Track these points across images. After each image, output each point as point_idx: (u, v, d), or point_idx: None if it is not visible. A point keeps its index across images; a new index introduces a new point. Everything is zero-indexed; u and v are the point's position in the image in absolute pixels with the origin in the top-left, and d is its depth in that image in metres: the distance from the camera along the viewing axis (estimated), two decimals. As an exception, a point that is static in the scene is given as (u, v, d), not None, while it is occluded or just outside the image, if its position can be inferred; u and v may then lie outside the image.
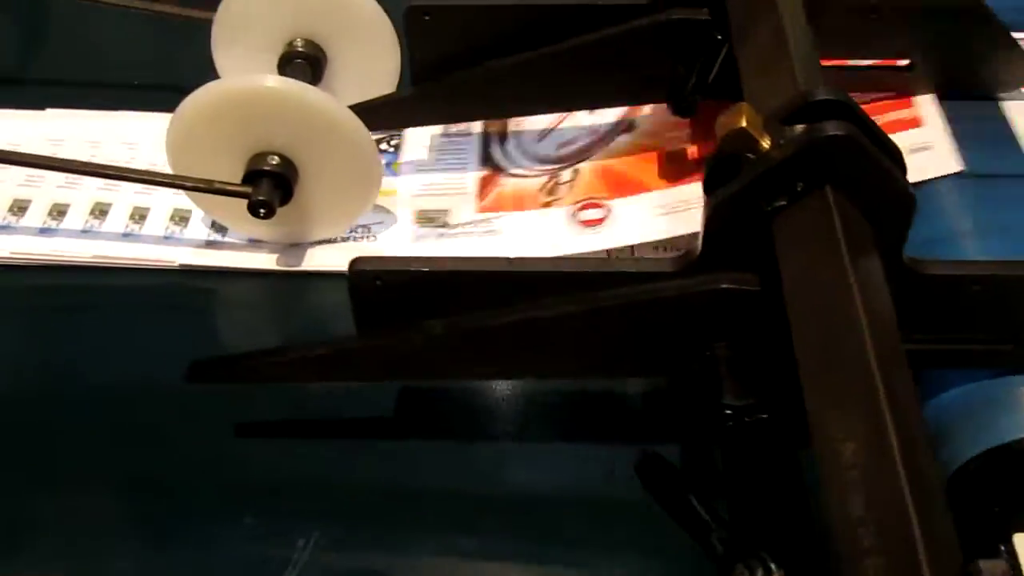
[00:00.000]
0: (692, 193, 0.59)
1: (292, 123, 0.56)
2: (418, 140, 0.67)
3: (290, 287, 0.61)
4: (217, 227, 0.62)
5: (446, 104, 0.60)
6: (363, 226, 0.62)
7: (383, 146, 0.67)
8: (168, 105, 0.57)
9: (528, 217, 0.61)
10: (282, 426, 0.52)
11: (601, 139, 0.65)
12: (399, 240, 0.61)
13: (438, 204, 0.62)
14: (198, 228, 0.62)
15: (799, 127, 0.39)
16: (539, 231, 0.60)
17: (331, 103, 0.56)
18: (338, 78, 0.66)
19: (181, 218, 0.63)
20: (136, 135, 0.69)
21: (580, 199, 0.61)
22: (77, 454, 0.51)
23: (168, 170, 0.59)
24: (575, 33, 0.57)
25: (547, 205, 0.61)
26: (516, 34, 0.58)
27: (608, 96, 0.60)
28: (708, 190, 0.41)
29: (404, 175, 0.65)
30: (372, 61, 0.65)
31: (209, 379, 0.48)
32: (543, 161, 0.64)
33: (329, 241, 0.61)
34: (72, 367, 0.56)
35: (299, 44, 0.64)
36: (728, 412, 0.41)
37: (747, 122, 0.39)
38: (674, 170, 0.61)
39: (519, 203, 0.62)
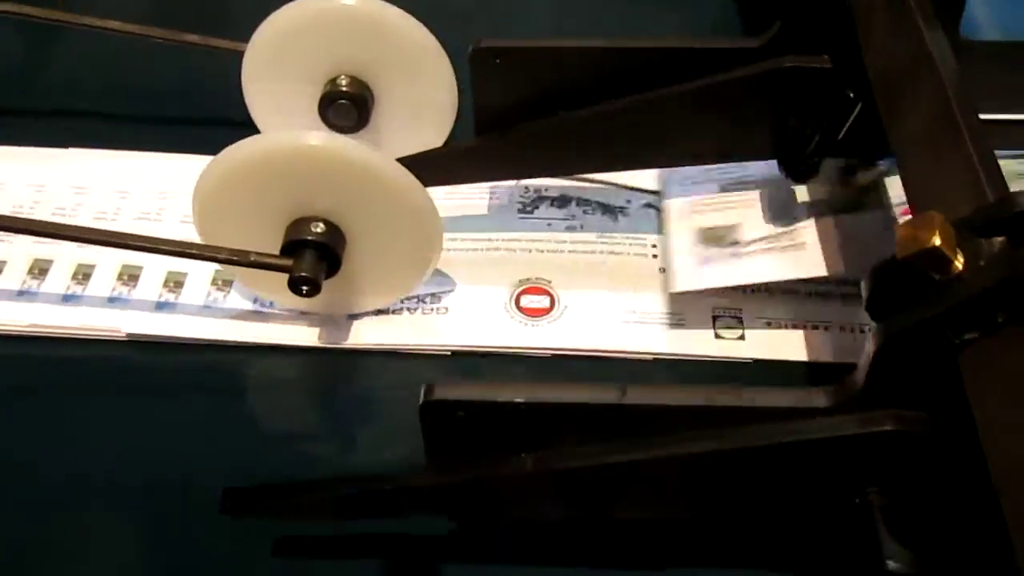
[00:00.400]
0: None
1: (338, 185, 0.48)
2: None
3: (333, 366, 0.53)
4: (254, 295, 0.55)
5: (514, 159, 0.52)
6: (431, 295, 0.54)
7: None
8: (189, 147, 0.49)
9: (840, 225, 0.51)
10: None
11: None
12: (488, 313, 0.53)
13: (722, 220, 0.54)
14: (236, 297, 0.55)
15: (997, 241, 0.31)
16: (857, 239, 0.50)
17: (383, 163, 0.48)
18: (386, 120, 0.58)
19: (224, 283, 0.55)
20: (153, 181, 0.61)
21: (903, 199, 0.52)
22: None
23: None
24: (667, 81, 0.49)
25: (864, 209, 0.52)
26: (598, 81, 0.50)
27: (702, 153, 0.52)
28: (877, 313, 0.33)
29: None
30: (425, 101, 0.57)
31: (246, 511, 0.40)
32: None
33: (382, 312, 0.54)
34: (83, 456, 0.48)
35: (343, 83, 0.56)
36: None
37: (941, 239, 0.31)
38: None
39: (827, 208, 0.52)
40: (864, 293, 0.34)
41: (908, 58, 0.40)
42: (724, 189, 0.55)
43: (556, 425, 0.35)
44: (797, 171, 0.49)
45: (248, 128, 0.58)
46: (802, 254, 0.49)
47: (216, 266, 0.55)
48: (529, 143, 0.51)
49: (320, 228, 0.48)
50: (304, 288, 0.48)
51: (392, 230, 0.50)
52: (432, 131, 0.58)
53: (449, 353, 0.52)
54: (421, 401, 0.35)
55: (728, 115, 0.49)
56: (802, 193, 0.53)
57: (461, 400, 0.35)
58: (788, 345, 0.51)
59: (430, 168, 0.51)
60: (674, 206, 0.55)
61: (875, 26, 0.44)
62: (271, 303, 0.54)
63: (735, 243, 0.51)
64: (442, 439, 0.36)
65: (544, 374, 0.50)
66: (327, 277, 0.49)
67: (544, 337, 0.52)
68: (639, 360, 0.51)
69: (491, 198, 0.59)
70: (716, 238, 0.52)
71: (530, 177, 0.56)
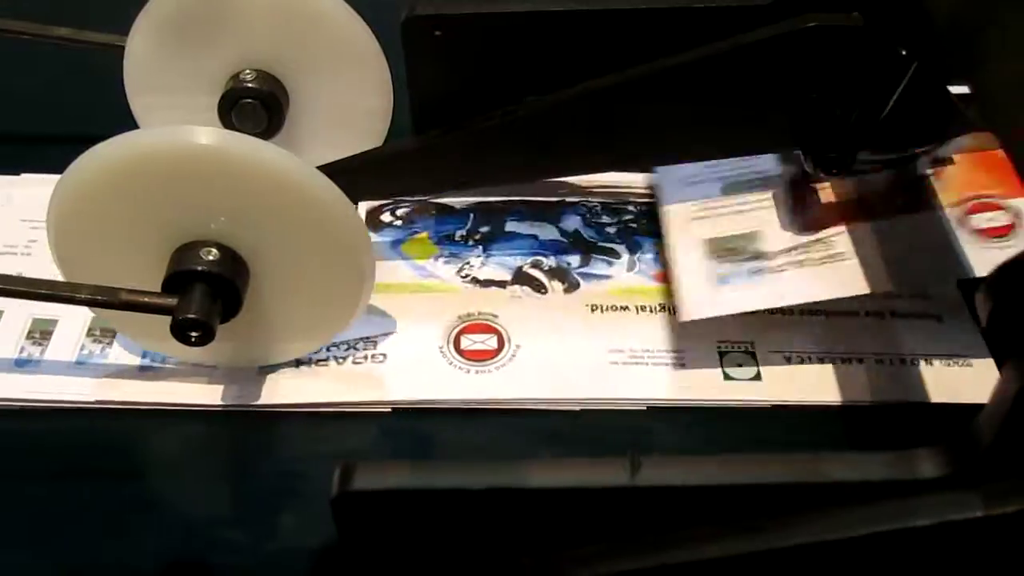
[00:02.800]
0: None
1: (238, 198, 0.37)
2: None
3: (242, 432, 0.42)
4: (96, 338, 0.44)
5: (466, 161, 0.41)
6: (365, 339, 0.43)
7: (386, 217, 0.48)
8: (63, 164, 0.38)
9: (882, 230, 0.42)
10: None
11: None
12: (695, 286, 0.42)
13: (735, 227, 0.43)
14: (119, 350, 0.43)
15: None
16: (905, 247, 0.41)
17: (298, 169, 0.37)
18: (304, 126, 0.47)
19: (104, 332, 0.44)
20: (21, 207, 0.49)
21: (963, 197, 0.43)
22: None
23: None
24: (657, 52, 0.38)
25: (911, 210, 0.42)
26: (570, 55, 0.39)
27: (706, 146, 0.41)
28: (1005, 342, 0.22)
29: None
30: (352, 102, 0.47)
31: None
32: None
33: (302, 362, 0.42)
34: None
35: (248, 78, 0.45)
36: None
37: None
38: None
39: (865, 209, 0.43)
40: (981, 313, 0.23)
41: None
42: (730, 189, 0.44)
43: (536, 519, 0.24)
44: (828, 163, 0.38)
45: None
46: (841, 267, 0.39)
47: (92, 311, 0.43)
48: (485, 142, 0.40)
49: (213, 255, 0.37)
50: (192, 334, 0.37)
51: (310, 258, 0.39)
52: (360, 140, 0.47)
53: (389, 410, 0.41)
54: (333, 493, 0.24)
55: (736, 94, 0.39)
56: (825, 192, 0.43)
57: (390, 489, 0.24)
58: (814, 384, 0.41)
59: (358, 178, 0.40)
60: (673, 212, 0.44)
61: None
62: (163, 356, 0.42)
63: (756, 256, 0.41)
64: (365, 536, 0.25)
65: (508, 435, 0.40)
66: (225, 320, 0.38)
67: (492, 386, 0.41)
68: (627, 411, 0.40)
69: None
70: (730, 251, 0.41)
71: (487, 185, 0.45)
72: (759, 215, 0.43)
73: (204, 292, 0.37)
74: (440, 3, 0.39)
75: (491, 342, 0.42)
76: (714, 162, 0.44)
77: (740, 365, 0.41)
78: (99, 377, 0.42)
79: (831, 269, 0.40)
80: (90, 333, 0.44)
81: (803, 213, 0.42)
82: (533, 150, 0.40)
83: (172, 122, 0.47)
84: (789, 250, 0.41)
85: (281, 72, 0.46)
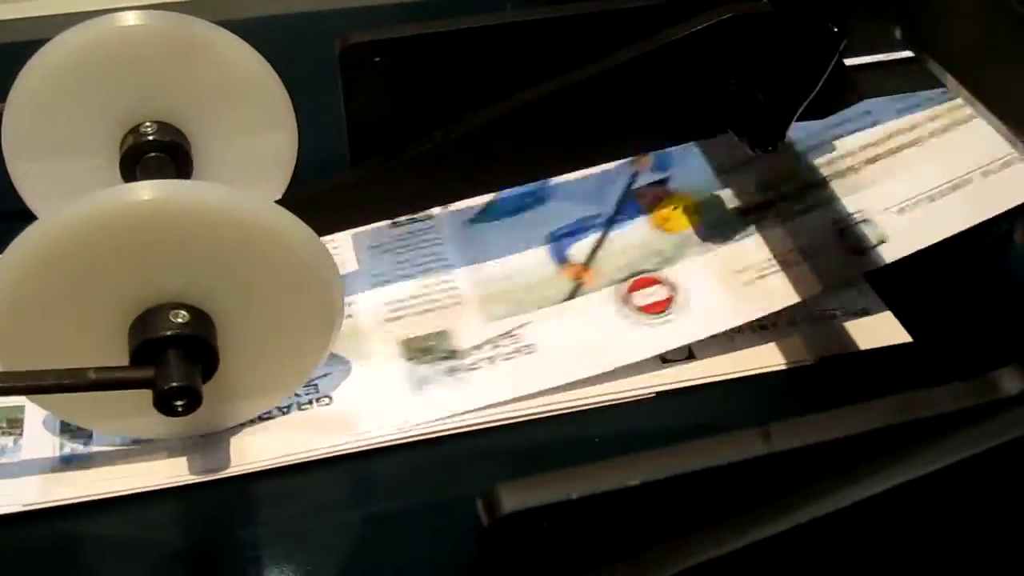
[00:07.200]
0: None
1: (197, 250, 0.35)
2: (361, 241, 0.46)
3: (212, 506, 0.38)
4: (73, 432, 0.39)
5: (414, 185, 0.40)
6: (308, 385, 0.41)
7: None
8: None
9: (558, 316, 0.43)
10: None
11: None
12: (383, 396, 0.41)
13: (428, 325, 0.43)
14: (41, 439, 0.39)
15: None
16: (580, 333, 0.42)
17: (260, 208, 0.35)
18: (209, 170, 0.44)
19: (11, 424, 0.39)
20: None
21: (624, 275, 0.44)
22: None
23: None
24: (586, 57, 0.39)
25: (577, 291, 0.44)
26: (504, 67, 0.39)
27: (644, 139, 0.43)
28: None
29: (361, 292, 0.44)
30: (255, 135, 0.44)
31: None
32: None
33: (264, 417, 0.40)
34: None
35: (149, 130, 0.42)
36: None
37: None
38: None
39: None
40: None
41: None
42: (417, 287, 0.44)
43: (674, 508, 0.24)
44: (760, 142, 0.40)
45: (24, 217, 0.41)
46: (531, 360, 0.41)
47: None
48: (429, 163, 0.40)
49: (183, 317, 0.35)
50: (179, 404, 0.34)
51: (279, 300, 0.37)
52: (270, 181, 0.45)
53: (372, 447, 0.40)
54: (485, 523, 0.23)
55: (667, 88, 0.40)
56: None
57: (546, 505, 0.23)
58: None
59: (303, 217, 0.38)
60: (365, 313, 0.43)
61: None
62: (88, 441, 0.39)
63: (449, 355, 0.41)
64: (516, 565, 0.24)
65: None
66: (205, 381, 0.35)
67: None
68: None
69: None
70: (424, 351, 0.42)
71: (437, 205, 0.44)
72: (447, 312, 0.43)
73: (180, 357, 0.34)
74: (372, 30, 0.38)
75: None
76: (403, 258, 0.45)
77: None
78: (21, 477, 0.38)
79: (520, 362, 0.41)
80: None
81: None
82: (477, 166, 0.40)
83: (58, 189, 0.43)
84: (480, 346, 0.42)
85: (178, 119, 0.43)
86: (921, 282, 0.45)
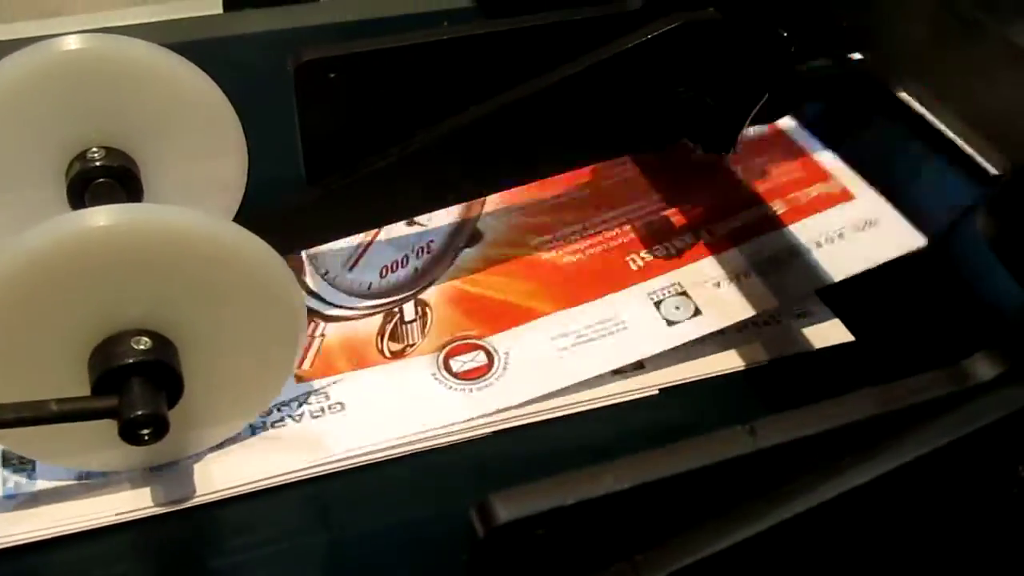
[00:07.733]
0: (607, 311, 0.43)
1: (156, 274, 0.34)
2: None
3: (180, 540, 0.37)
4: (16, 465, 0.38)
5: (372, 202, 0.40)
6: (314, 392, 0.41)
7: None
8: None
9: (376, 377, 0.42)
10: None
11: (440, 256, 0.46)
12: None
13: None
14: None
15: None
16: (397, 396, 0.41)
17: (219, 229, 0.35)
18: (158, 194, 0.43)
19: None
20: None
21: (443, 341, 0.43)
22: None
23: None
24: (542, 67, 0.40)
25: (397, 356, 0.42)
26: (461, 80, 0.39)
27: (602, 148, 0.43)
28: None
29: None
30: (206, 163, 0.44)
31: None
32: (367, 295, 0.45)
33: (229, 442, 0.39)
34: None
35: (96, 155, 0.41)
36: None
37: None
38: (571, 283, 0.45)
39: (358, 357, 0.42)
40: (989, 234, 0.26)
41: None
42: None
43: (665, 509, 0.25)
44: (713, 147, 0.41)
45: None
46: (337, 417, 0.40)
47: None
48: (386, 180, 0.39)
49: (145, 344, 0.34)
50: (145, 432, 0.33)
51: (242, 324, 0.36)
52: (217, 206, 0.44)
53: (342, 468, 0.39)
54: (481, 534, 0.23)
55: (623, 97, 0.41)
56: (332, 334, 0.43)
57: (540, 513, 0.23)
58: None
59: (272, 232, 0.37)
60: None
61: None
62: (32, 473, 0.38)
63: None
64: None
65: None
66: (169, 408, 0.35)
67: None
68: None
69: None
70: None
71: (395, 221, 0.44)
72: None
73: (144, 384, 0.34)
74: (326, 47, 0.38)
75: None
76: None
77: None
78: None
79: (332, 425, 0.40)
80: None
81: (302, 363, 0.42)
82: (434, 181, 0.40)
83: (2, 220, 0.42)
84: (289, 403, 0.40)
85: (126, 144, 0.42)
86: (861, 286, 0.46)
